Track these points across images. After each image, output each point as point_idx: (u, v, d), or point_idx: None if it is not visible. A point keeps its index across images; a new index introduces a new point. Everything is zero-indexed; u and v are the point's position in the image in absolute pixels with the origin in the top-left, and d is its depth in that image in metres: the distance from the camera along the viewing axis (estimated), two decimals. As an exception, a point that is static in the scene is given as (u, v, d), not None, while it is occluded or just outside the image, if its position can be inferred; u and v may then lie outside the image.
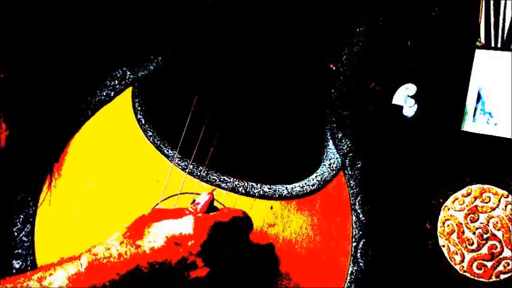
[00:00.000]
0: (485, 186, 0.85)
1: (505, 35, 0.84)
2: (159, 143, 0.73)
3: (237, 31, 0.76)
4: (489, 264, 0.84)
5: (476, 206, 0.85)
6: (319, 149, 0.82)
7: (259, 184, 0.74)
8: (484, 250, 0.84)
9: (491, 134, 0.85)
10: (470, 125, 0.86)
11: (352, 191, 0.78)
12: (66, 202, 0.70)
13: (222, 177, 0.74)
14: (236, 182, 0.74)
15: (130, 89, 0.76)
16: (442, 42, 0.85)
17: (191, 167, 0.73)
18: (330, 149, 0.81)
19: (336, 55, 0.83)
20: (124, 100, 0.75)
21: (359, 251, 0.76)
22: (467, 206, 0.85)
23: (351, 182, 0.79)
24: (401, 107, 0.83)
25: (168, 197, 0.71)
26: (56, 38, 0.74)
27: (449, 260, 0.86)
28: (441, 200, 0.87)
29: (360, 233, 0.77)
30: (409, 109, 0.83)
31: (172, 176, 0.72)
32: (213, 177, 0.73)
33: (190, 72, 0.78)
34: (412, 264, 0.87)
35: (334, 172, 0.79)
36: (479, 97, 0.85)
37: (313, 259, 0.74)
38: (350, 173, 0.79)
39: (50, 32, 0.73)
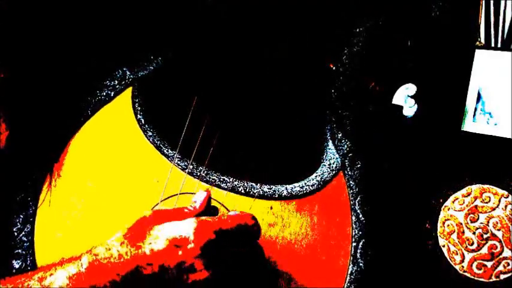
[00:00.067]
0: (485, 186, 0.85)
1: (505, 35, 0.84)
2: (159, 143, 0.73)
3: (237, 31, 0.76)
4: (489, 264, 0.84)
5: (476, 206, 0.85)
6: (319, 149, 0.82)
7: (259, 184, 0.74)
8: (484, 250, 0.84)
9: (491, 134, 0.85)
10: (470, 125, 0.86)
11: (351, 191, 0.79)
12: (66, 202, 0.70)
13: (222, 177, 0.74)
14: (236, 182, 0.74)
15: (130, 89, 0.76)
16: (442, 42, 0.85)
17: (191, 167, 0.73)
18: (329, 149, 0.81)
19: (336, 55, 0.83)
20: (124, 100, 0.75)
21: (359, 251, 0.76)
22: (467, 206, 0.85)
23: (351, 182, 0.79)
24: (401, 107, 0.83)
25: (168, 197, 0.71)
26: (56, 38, 0.74)
27: (449, 260, 0.86)
28: (441, 200, 0.87)
29: (360, 233, 0.77)
30: (409, 109, 0.83)
31: (172, 176, 0.72)
32: (213, 177, 0.73)
33: (190, 73, 0.78)
34: (412, 264, 0.87)
35: (333, 172, 0.79)
36: (479, 97, 0.85)
37: (312, 259, 0.74)
38: (350, 173, 0.80)
39: (49, 32, 0.73)
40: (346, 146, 0.81)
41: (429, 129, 0.86)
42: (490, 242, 0.84)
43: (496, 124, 0.84)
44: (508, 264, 0.83)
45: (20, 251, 0.68)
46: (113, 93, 0.75)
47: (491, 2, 0.84)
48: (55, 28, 0.73)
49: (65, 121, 0.73)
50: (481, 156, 0.86)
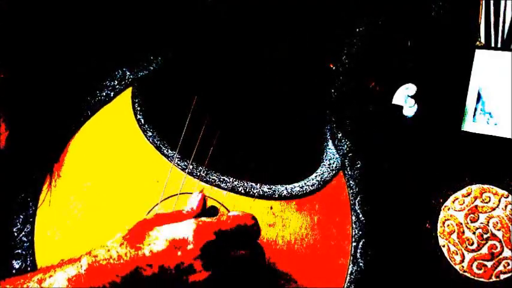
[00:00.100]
0: (485, 186, 0.85)
1: (505, 35, 0.84)
2: (158, 143, 0.73)
3: (237, 31, 0.76)
4: (489, 264, 0.84)
5: (476, 206, 0.85)
6: (319, 149, 0.82)
7: (259, 184, 0.74)
8: (484, 250, 0.84)
9: (491, 134, 0.85)
10: (470, 125, 0.86)
11: (351, 191, 0.78)
12: (66, 202, 0.70)
13: (222, 177, 0.74)
14: (236, 182, 0.74)
15: (130, 89, 0.76)
16: (442, 42, 0.85)
17: (191, 167, 0.73)
18: (329, 149, 0.81)
19: (336, 55, 0.83)
20: (124, 100, 0.75)
21: (359, 251, 0.76)
22: (467, 206, 0.85)
23: (351, 182, 0.79)
24: (401, 107, 0.83)
25: (168, 197, 0.71)
26: (56, 38, 0.74)
27: (449, 260, 0.86)
28: (441, 200, 0.87)
29: (360, 233, 0.77)
30: (409, 109, 0.83)
31: (172, 176, 0.72)
32: (213, 177, 0.73)
33: (190, 73, 0.78)
34: (412, 264, 0.87)
35: (333, 172, 0.79)
36: (479, 97, 0.85)
37: (312, 259, 0.74)
38: (350, 173, 0.79)
39: (49, 32, 0.73)
40: (346, 146, 0.81)
41: (429, 129, 0.86)
42: (490, 242, 0.84)
43: (496, 124, 0.84)
44: (508, 264, 0.83)
45: (20, 251, 0.68)
46: (112, 93, 0.75)
47: (491, 2, 0.84)
48: (55, 28, 0.73)
49: (65, 121, 0.73)
50: (481, 156, 0.86)
